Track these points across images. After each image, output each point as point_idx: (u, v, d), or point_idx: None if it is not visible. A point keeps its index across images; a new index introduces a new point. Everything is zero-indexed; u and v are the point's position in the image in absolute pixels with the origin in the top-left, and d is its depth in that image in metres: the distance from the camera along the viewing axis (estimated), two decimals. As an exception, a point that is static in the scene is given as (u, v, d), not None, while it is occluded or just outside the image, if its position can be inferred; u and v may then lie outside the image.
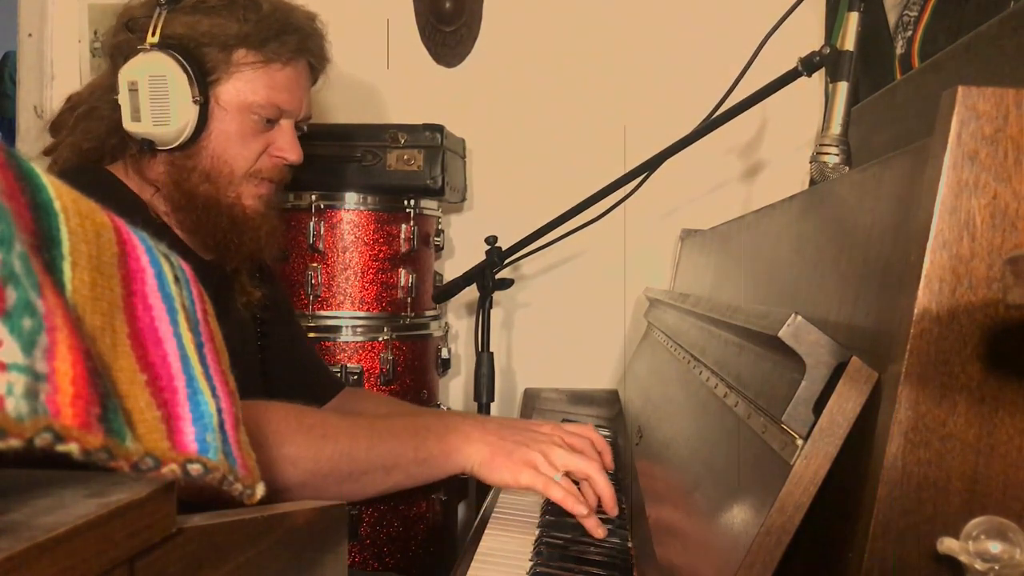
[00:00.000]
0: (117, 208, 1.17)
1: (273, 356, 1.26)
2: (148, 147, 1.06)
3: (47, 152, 1.14)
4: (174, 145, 1.06)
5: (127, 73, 1.04)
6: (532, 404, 1.78)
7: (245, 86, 1.08)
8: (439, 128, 1.78)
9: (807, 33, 1.88)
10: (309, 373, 1.34)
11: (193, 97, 1.04)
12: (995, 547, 0.42)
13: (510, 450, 0.95)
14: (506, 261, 1.50)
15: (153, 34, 1.04)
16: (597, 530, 0.93)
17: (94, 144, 1.09)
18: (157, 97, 1.03)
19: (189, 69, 1.04)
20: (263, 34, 1.08)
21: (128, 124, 1.05)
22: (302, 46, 1.12)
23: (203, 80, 1.05)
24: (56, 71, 2.27)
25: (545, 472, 0.93)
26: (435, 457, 0.94)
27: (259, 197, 1.12)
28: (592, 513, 0.93)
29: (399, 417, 1.05)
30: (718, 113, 1.24)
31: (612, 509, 0.94)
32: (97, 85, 1.13)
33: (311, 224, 1.66)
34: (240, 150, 1.09)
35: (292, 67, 1.11)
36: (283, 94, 1.10)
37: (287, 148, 1.13)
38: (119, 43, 1.08)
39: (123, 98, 1.05)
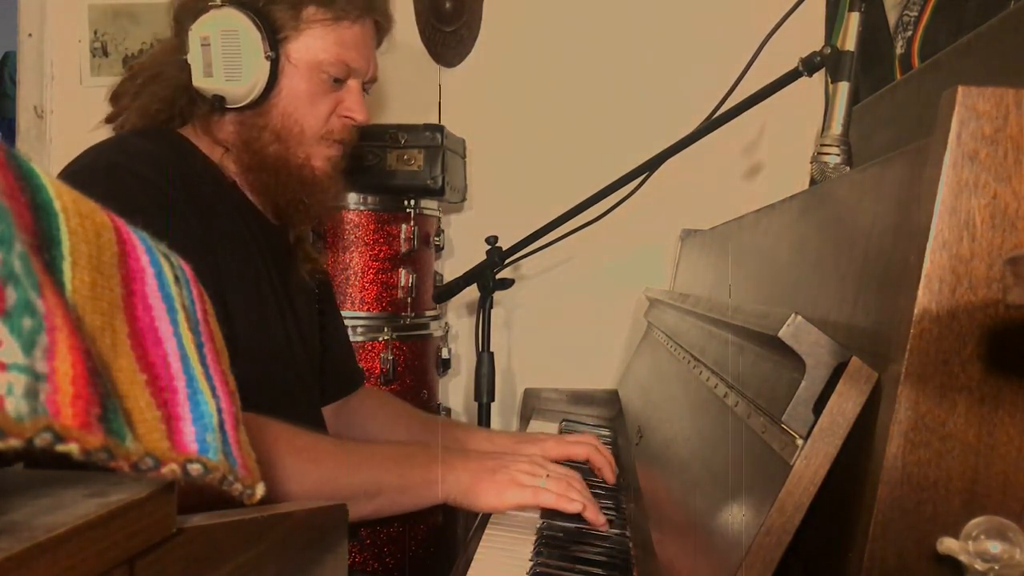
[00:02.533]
0: (190, 169, 1.16)
1: (326, 332, 1.27)
2: (219, 104, 1.06)
3: (109, 120, 1.13)
4: (245, 103, 1.05)
5: (199, 28, 1.04)
6: (532, 404, 1.78)
7: (315, 43, 1.07)
8: (439, 128, 1.78)
9: (807, 33, 1.88)
10: (348, 357, 1.35)
11: (265, 52, 1.04)
12: (995, 547, 0.42)
13: (492, 470, 0.95)
14: (506, 261, 1.50)
15: None
16: (599, 518, 0.93)
17: (162, 106, 1.08)
18: (229, 52, 1.03)
19: (261, 25, 1.03)
20: None
21: (199, 80, 1.04)
22: (369, 4, 1.11)
23: (273, 37, 1.05)
24: (56, 71, 2.27)
25: (530, 483, 0.94)
26: (418, 486, 0.95)
27: (328, 159, 1.12)
28: (590, 505, 0.94)
29: (386, 444, 1.05)
30: (719, 113, 1.24)
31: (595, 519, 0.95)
32: (160, 52, 1.13)
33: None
34: (310, 109, 1.08)
35: (360, 25, 1.10)
36: (352, 52, 1.09)
37: (355, 108, 1.11)
38: (186, 3, 1.08)
39: (194, 55, 1.04)
